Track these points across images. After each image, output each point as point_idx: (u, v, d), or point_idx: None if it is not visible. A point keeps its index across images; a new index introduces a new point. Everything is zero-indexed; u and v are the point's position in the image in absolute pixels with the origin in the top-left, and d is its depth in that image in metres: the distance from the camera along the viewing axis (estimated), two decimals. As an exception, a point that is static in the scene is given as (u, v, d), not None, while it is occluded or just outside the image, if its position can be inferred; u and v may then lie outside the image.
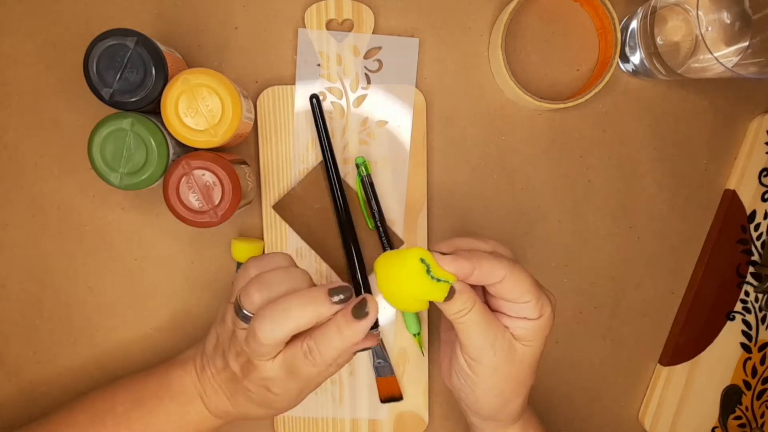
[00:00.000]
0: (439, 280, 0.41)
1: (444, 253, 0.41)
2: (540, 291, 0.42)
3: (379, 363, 0.55)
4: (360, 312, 0.40)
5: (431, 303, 0.42)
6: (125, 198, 0.54)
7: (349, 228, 0.53)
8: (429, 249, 0.42)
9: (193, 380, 0.47)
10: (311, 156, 0.54)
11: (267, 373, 0.42)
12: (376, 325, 0.54)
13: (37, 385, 0.55)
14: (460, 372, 0.44)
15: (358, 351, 0.45)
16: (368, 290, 0.54)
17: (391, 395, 0.55)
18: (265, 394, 0.43)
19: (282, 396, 0.44)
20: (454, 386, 0.46)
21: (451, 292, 0.41)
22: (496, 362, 0.42)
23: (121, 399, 0.48)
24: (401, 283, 0.41)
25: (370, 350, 0.54)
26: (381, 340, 0.54)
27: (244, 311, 0.41)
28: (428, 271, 0.40)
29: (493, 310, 0.43)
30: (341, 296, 0.40)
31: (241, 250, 0.52)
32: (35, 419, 0.49)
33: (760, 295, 0.57)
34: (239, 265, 0.54)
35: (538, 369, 0.45)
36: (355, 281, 0.54)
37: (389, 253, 0.42)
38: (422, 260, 0.40)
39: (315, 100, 0.53)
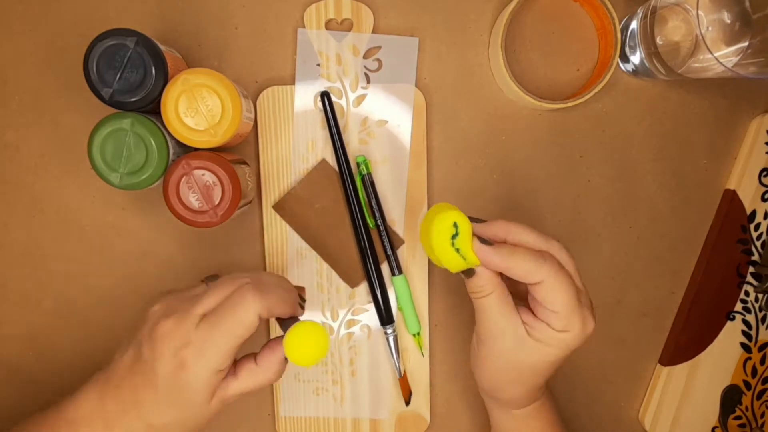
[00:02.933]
0: (458, 251, 0.41)
1: (482, 239, 0.41)
2: (577, 308, 0.41)
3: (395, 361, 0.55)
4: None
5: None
6: (125, 198, 0.54)
7: (361, 220, 0.53)
8: (473, 223, 0.42)
9: (93, 406, 0.42)
10: (311, 156, 0.54)
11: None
12: (391, 321, 0.54)
13: (37, 386, 0.55)
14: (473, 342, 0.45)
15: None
16: (381, 281, 0.54)
17: (408, 394, 0.55)
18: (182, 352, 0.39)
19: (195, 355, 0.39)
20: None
21: (470, 272, 0.41)
22: (498, 350, 0.43)
23: None
24: (428, 234, 0.41)
25: (392, 352, 0.55)
26: (396, 337, 0.55)
27: None
28: (453, 237, 0.40)
29: (527, 296, 0.43)
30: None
31: None
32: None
33: (760, 295, 0.57)
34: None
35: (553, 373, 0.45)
36: (368, 272, 0.54)
37: (442, 204, 0.42)
38: (455, 224, 0.40)
39: (326, 99, 0.53)
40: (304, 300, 0.45)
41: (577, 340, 0.42)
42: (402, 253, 0.55)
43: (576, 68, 0.55)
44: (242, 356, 0.43)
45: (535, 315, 0.42)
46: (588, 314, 0.42)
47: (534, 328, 0.42)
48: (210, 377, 0.39)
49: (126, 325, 0.55)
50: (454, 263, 0.41)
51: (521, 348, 0.42)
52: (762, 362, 0.58)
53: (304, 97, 0.53)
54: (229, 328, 0.39)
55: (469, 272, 0.41)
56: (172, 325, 0.40)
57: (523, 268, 0.40)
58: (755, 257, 0.57)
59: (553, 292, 0.40)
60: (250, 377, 0.42)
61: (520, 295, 0.44)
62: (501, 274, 0.42)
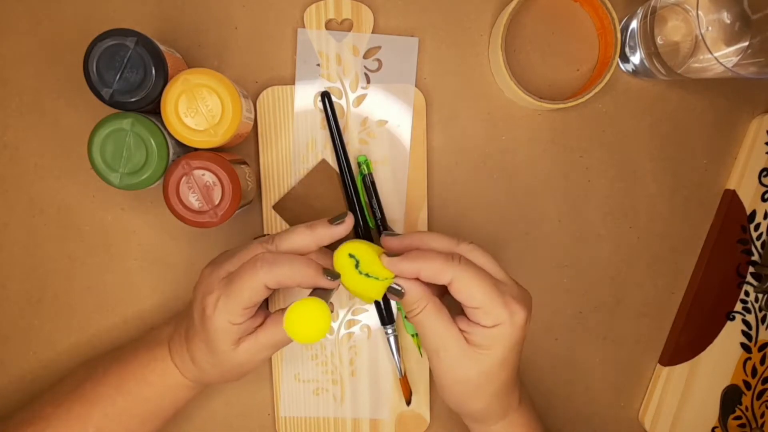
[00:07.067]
0: (368, 276, 0.42)
1: (391, 254, 0.42)
2: (498, 299, 0.41)
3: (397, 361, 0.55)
4: (336, 219, 0.44)
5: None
6: (125, 198, 0.54)
7: (361, 220, 0.53)
8: (381, 243, 0.44)
9: (164, 353, 0.48)
10: (311, 156, 0.54)
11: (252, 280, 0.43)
12: (391, 320, 0.54)
13: (37, 385, 0.55)
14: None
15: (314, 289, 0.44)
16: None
17: (409, 394, 0.55)
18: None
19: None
20: None
21: (397, 292, 0.42)
22: (447, 364, 0.43)
23: (101, 363, 0.50)
24: (341, 274, 0.43)
25: (392, 351, 0.54)
26: (396, 337, 0.54)
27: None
28: (357, 266, 0.42)
29: (464, 308, 0.43)
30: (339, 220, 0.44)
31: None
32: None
33: (760, 295, 0.57)
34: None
35: (520, 373, 0.45)
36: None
37: (339, 249, 0.43)
38: (351, 255, 0.42)
39: (326, 99, 0.53)
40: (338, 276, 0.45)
41: (511, 333, 0.42)
42: (402, 253, 0.55)
43: (576, 68, 0.55)
44: (276, 310, 0.46)
45: (469, 320, 0.42)
46: (514, 303, 0.42)
47: (470, 333, 0.42)
48: (225, 326, 0.43)
49: (125, 325, 0.55)
50: (374, 289, 0.42)
51: (466, 356, 0.42)
52: (762, 362, 0.58)
53: (304, 97, 0.53)
54: (237, 291, 0.42)
55: (397, 292, 0.42)
56: (206, 275, 0.45)
57: (432, 269, 0.41)
58: (755, 257, 0.57)
59: (468, 288, 0.41)
60: (266, 333, 0.45)
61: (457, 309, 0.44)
62: (436, 291, 0.43)
